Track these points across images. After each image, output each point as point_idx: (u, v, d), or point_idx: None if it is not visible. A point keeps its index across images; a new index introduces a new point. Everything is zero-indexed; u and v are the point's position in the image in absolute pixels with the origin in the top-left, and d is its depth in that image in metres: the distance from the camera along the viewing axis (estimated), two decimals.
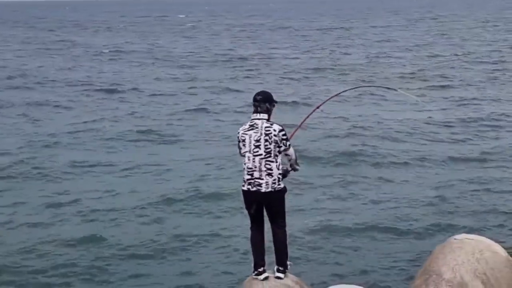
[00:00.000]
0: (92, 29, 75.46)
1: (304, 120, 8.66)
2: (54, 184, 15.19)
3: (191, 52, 45.98)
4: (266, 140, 7.49)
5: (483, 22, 73.74)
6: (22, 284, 10.25)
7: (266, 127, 7.54)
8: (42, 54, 46.24)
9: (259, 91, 7.87)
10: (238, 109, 24.00)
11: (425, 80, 30.89)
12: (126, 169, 16.23)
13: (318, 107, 8.90)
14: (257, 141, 7.51)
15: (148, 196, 14.00)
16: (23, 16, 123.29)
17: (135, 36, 62.31)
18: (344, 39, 55.64)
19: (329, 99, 9.47)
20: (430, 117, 22.04)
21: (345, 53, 44.04)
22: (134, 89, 29.44)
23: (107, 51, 47.22)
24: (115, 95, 27.97)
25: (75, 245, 11.54)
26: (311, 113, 8.75)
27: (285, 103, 22.88)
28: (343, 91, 11.91)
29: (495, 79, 31.28)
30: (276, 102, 7.78)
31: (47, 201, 13.85)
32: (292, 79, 32.42)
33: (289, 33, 65.87)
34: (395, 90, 10.86)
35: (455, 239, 8.29)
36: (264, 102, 7.64)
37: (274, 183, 7.52)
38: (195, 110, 24.39)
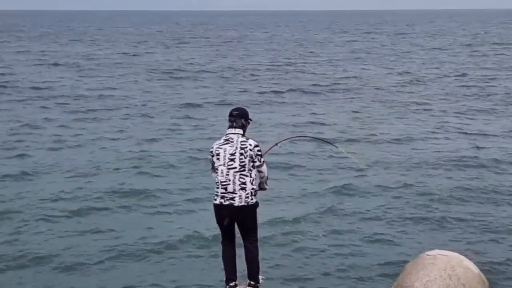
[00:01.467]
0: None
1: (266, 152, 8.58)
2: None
3: None
4: (241, 154, 7.50)
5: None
6: None
7: (241, 141, 7.57)
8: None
9: (235, 107, 7.95)
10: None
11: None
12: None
13: (276, 144, 9.02)
14: (232, 154, 7.52)
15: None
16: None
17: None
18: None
19: (287, 139, 10.43)
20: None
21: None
22: None
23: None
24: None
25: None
26: (270, 149, 8.82)
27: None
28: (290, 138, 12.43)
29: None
30: (251, 119, 7.82)
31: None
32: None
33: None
34: (335, 147, 11.24)
35: (427, 254, 8.31)
36: (240, 118, 7.70)
37: (247, 197, 7.51)
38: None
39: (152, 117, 24.96)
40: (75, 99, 29.22)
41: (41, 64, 44.78)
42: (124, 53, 55.20)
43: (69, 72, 40.51)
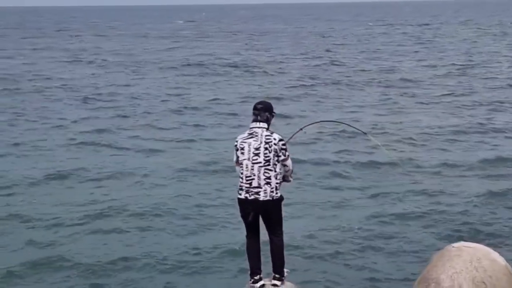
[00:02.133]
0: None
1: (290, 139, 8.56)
2: None
3: None
4: (266, 149, 7.49)
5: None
6: None
7: (266, 135, 7.55)
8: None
9: (259, 100, 7.89)
10: None
11: None
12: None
13: (301, 129, 8.91)
14: (257, 149, 7.50)
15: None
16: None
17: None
18: None
19: (311, 124, 9.74)
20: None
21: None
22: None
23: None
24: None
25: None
26: (294, 134, 8.78)
27: None
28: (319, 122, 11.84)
29: None
30: (275, 113, 7.80)
31: None
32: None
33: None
34: (364, 133, 10.71)
35: (453, 246, 8.24)
36: (264, 111, 7.67)
37: (272, 191, 7.51)
38: None
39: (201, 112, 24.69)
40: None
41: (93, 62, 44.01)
42: (158, 50, 54.49)
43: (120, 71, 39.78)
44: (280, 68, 39.68)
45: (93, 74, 37.74)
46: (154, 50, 53.81)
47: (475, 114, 24.03)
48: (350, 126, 11.60)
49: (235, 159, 7.69)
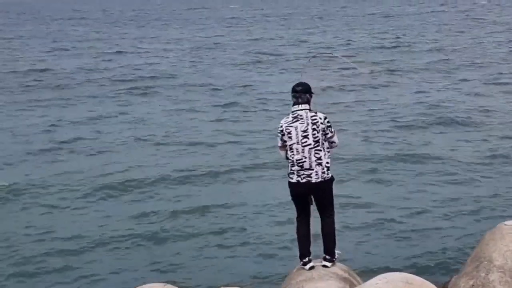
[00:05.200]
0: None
1: None
2: None
3: None
4: (314, 129, 7.52)
5: None
6: None
7: (311, 116, 7.56)
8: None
9: (297, 82, 7.84)
10: None
11: None
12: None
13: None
14: (305, 131, 7.53)
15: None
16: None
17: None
18: None
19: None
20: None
21: None
22: None
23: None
24: None
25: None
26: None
27: None
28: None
29: None
30: (313, 93, 7.79)
31: None
32: None
33: None
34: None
35: (505, 225, 8.16)
36: (304, 93, 7.67)
37: (324, 172, 7.55)
38: None
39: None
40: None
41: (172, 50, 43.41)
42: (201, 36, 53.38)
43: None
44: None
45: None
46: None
47: None
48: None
49: (280, 144, 7.72)
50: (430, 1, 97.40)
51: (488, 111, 20.79)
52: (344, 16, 73.98)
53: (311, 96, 7.71)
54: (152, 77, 31.04)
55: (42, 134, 19.70)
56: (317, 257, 7.81)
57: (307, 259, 7.70)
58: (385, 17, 69.18)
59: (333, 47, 40.68)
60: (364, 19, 67.56)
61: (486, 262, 7.68)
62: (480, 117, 20.08)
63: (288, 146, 7.62)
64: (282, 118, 7.76)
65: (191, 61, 36.95)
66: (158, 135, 19.17)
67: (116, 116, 22.22)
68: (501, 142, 16.94)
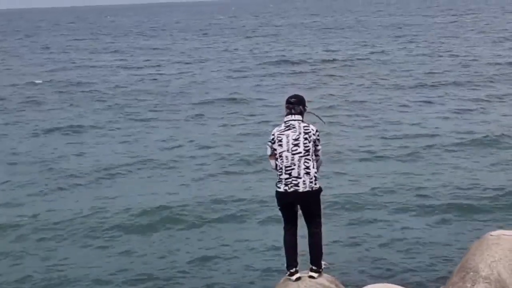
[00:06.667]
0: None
1: None
2: None
3: None
4: (305, 139, 7.57)
5: None
6: None
7: (304, 126, 7.64)
8: None
9: (292, 94, 7.93)
10: None
11: None
12: None
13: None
14: (296, 139, 7.57)
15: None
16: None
17: None
18: None
19: None
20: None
21: None
22: None
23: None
24: None
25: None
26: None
27: None
28: None
29: None
30: (307, 106, 7.84)
31: None
32: None
33: None
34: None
35: (491, 235, 8.19)
36: (298, 105, 7.74)
37: (311, 182, 7.56)
38: None
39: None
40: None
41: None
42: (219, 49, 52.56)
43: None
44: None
45: None
46: None
47: None
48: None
49: (269, 152, 7.73)
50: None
51: None
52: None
53: (305, 109, 7.77)
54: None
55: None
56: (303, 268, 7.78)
57: (293, 269, 7.67)
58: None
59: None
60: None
61: (472, 273, 7.69)
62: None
63: (278, 154, 7.62)
64: (275, 127, 7.78)
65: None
66: None
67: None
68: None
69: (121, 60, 45.59)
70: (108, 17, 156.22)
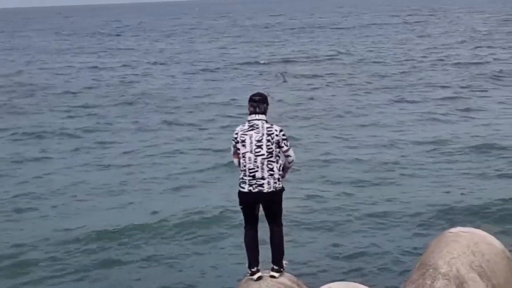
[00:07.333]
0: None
1: None
2: None
3: None
4: (268, 141, 7.53)
5: None
6: None
7: (267, 127, 7.58)
8: None
9: (255, 92, 7.87)
10: None
11: None
12: None
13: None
14: (259, 141, 7.53)
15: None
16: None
17: None
18: None
19: None
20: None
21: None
22: None
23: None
24: None
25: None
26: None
27: None
28: None
29: None
30: (268, 104, 7.81)
31: None
32: None
33: None
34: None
35: (450, 232, 8.29)
36: (262, 103, 7.68)
37: (275, 182, 7.57)
38: None
39: None
40: None
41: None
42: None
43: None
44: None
45: None
46: None
47: None
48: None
49: (233, 151, 7.71)
50: None
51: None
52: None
53: (267, 107, 7.71)
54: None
55: None
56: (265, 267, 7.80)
57: (255, 268, 7.68)
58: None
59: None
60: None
61: (431, 270, 7.76)
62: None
63: (241, 154, 7.60)
64: (238, 126, 7.74)
65: None
66: None
67: None
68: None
69: (84, 62, 44.98)
70: (70, 17, 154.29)
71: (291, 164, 7.75)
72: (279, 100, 24.63)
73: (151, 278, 10.39)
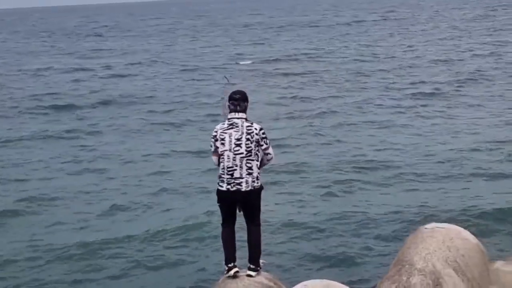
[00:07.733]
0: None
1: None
2: None
3: None
4: (247, 139, 7.49)
5: None
6: None
7: (247, 126, 7.54)
8: None
9: (235, 90, 7.79)
10: None
11: None
12: None
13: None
14: (238, 139, 7.49)
15: None
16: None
17: None
18: None
19: None
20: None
21: None
22: None
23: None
24: None
25: None
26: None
27: None
28: None
29: None
30: (248, 101, 7.79)
31: None
32: None
33: None
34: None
35: (425, 228, 8.35)
36: (243, 101, 7.63)
37: (254, 181, 7.53)
38: None
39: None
40: None
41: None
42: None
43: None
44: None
45: None
46: None
47: None
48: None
49: (212, 149, 7.69)
50: None
51: None
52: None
53: (247, 105, 7.68)
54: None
55: None
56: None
57: (232, 264, 7.68)
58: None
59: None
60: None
61: (407, 266, 7.80)
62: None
63: (220, 153, 7.57)
64: (218, 124, 7.71)
65: None
66: None
67: None
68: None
69: (64, 63, 44.70)
70: (46, 19, 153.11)
71: (269, 161, 7.75)
72: (258, 101, 24.61)
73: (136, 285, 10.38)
